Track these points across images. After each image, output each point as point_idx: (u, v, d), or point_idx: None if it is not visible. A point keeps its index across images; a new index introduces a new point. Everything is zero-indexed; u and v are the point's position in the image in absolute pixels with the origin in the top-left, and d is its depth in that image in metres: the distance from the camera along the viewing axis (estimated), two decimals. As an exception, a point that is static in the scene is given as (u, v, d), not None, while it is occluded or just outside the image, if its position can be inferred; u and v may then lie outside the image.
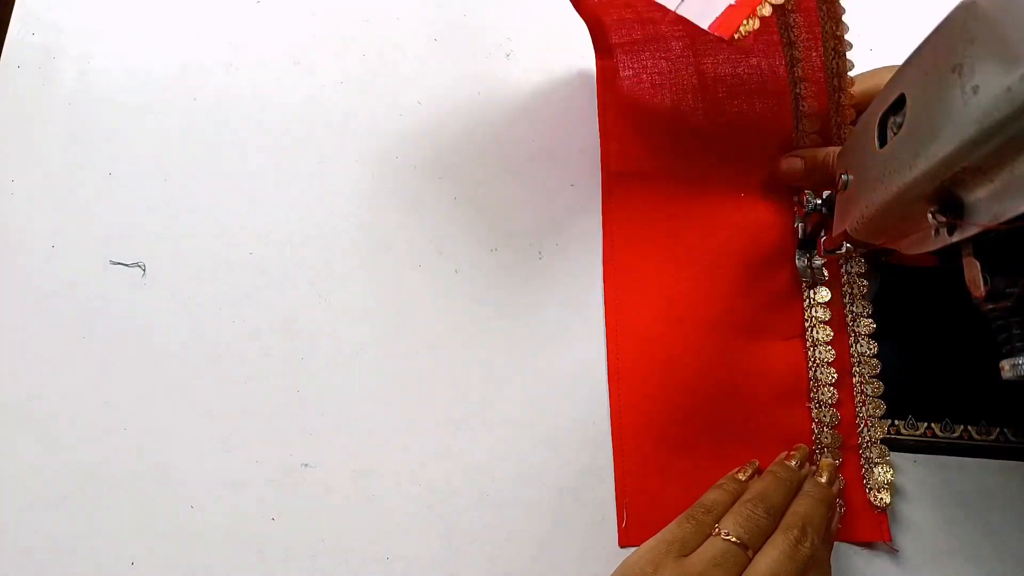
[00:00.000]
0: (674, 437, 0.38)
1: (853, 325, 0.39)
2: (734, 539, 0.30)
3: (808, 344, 0.39)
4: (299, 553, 0.36)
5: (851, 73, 0.35)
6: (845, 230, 0.32)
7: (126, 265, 0.40)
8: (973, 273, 0.25)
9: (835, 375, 0.38)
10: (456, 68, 0.43)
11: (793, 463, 0.35)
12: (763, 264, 0.39)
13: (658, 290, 0.40)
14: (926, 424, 0.39)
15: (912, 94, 0.25)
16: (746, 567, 0.30)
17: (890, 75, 0.27)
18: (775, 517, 0.32)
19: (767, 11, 0.30)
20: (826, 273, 0.39)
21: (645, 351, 0.39)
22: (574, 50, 0.42)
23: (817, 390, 0.38)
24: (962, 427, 0.39)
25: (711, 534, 0.31)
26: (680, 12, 0.30)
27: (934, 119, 0.23)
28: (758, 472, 0.36)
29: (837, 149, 0.36)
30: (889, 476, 0.37)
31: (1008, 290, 0.24)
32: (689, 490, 0.35)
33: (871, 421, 0.38)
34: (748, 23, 0.30)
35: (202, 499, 0.37)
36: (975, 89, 0.21)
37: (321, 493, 0.37)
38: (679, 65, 0.39)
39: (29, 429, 0.37)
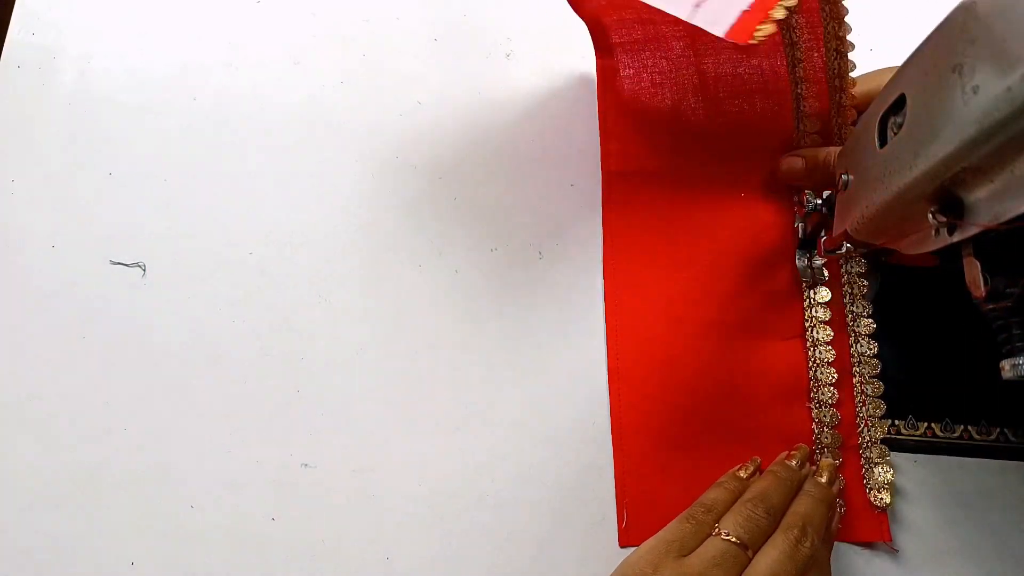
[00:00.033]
0: (674, 437, 0.38)
1: (853, 325, 0.39)
2: (734, 539, 0.30)
3: (808, 344, 0.39)
4: (299, 553, 0.36)
5: (852, 74, 0.35)
6: (845, 230, 0.32)
7: (126, 265, 0.40)
8: (973, 273, 0.25)
9: (835, 375, 0.38)
10: (456, 68, 0.43)
11: (793, 463, 0.35)
12: (763, 264, 0.39)
13: (658, 290, 0.40)
14: (926, 424, 0.39)
15: (912, 94, 0.25)
16: (746, 567, 0.30)
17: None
18: (775, 517, 0.32)
19: (781, 14, 0.30)
20: (826, 273, 0.39)
21: (645, 351, 0.39)
22: (574, 50, 0.42)
23: (817, 390, 0.38)
24: (962, 427, 0.39)
25: (711, 534, 0.31)
26: (694, 22, 0.30)
27: (934, 119, 0.23)
28: (759, 470, 0.36)
29: (837, 149, 0.36)
30: (889, 476, 0.37)
31: (1008, 290, 0.24)
32: (689, 490, 0.35)
33: (871, 421, 0.38)
34: (763, 28, 0.29)
35: (202, 499, 0.37)
36: (975, 89, 0.21)
37: (321, 493, 0.37)
38: (680, 64, 0.39)
39: (29, 429, 0.37)
